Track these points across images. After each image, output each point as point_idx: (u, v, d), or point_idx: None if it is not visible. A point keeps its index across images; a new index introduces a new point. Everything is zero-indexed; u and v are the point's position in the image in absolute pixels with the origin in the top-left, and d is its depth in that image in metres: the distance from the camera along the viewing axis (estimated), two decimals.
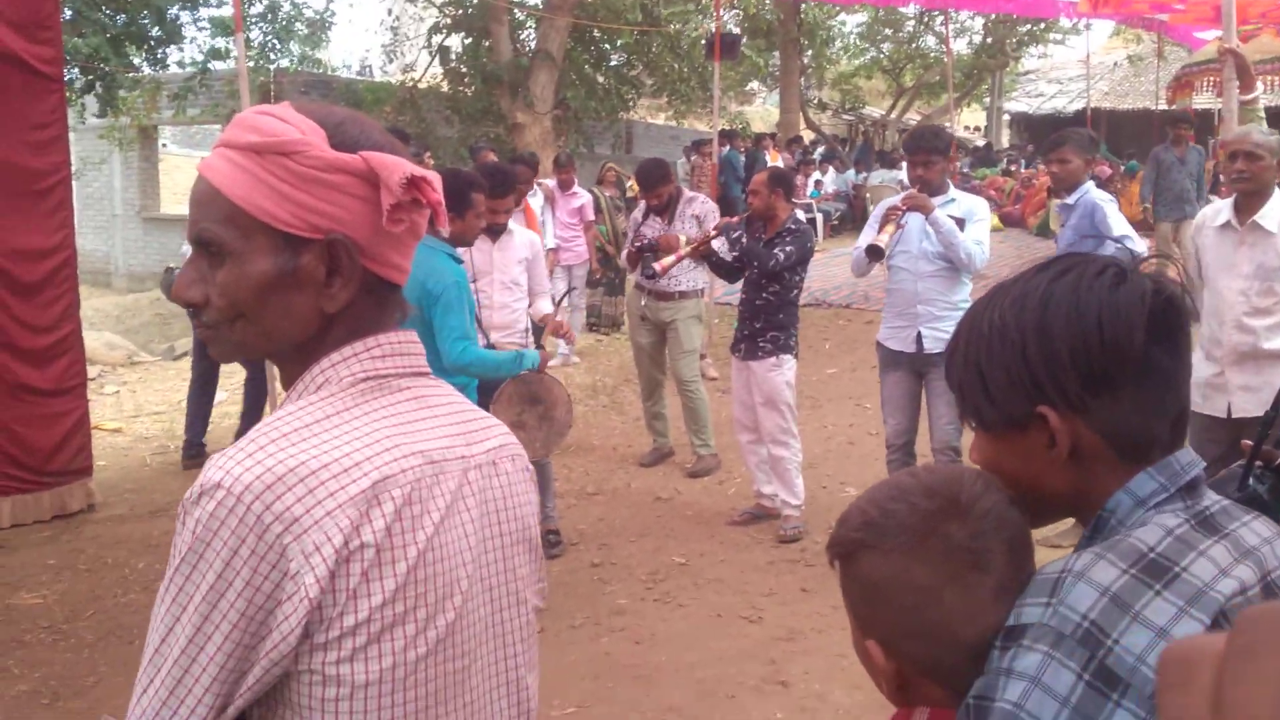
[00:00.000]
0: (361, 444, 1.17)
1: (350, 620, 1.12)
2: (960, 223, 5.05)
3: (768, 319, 5.62)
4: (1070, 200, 5.32)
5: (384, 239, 1.24)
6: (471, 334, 4.44)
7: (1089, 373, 1.12)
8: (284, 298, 1.21)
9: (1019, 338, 1.14)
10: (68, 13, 12.84)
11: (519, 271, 5.57)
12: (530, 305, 5.68)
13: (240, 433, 7.20)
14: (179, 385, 10.03)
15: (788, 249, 5.51)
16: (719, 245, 5.86)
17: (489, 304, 5.56)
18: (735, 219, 6.11)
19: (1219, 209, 4.46)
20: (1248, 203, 4.28)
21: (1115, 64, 28.73)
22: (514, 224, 5.75)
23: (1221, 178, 5.13)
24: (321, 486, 1.12)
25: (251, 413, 7.33)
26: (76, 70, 12.79)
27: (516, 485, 1.34)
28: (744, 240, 5.61)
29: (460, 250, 5.63)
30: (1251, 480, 1.47)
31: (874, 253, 4.98)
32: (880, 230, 5.00)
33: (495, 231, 5.51)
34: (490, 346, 5.15)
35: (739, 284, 5.98)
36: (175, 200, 21.82)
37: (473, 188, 4.51)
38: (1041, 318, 1.14)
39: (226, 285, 1.20)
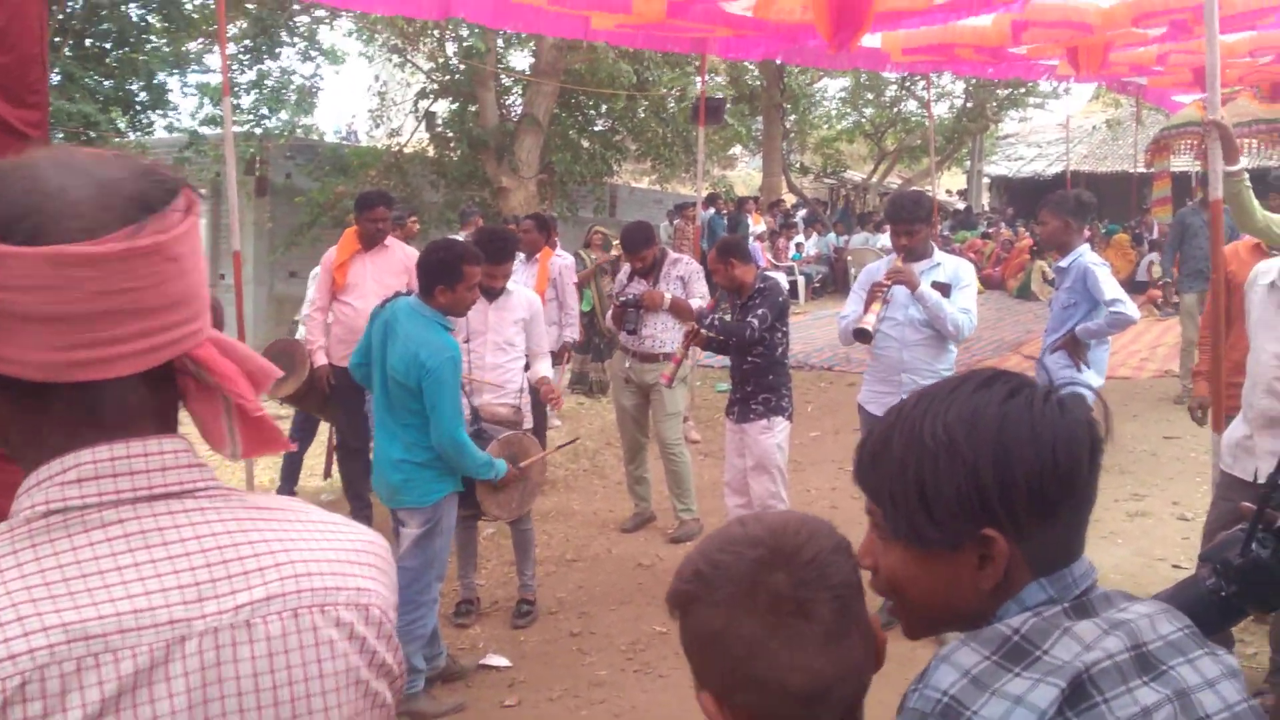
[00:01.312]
0: None
1: None
2: (946, 288, 5.03)
3: (756, 382, 5.58)
4: (1064, 264, 5.32)
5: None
6: (460, 412, 4.38)
7: (1041, 498, 1.11)
8: None
9: (971, 457, 1.12)
10: (56, 76, 12.91)
11: (514, 332, 5.53)
12: (529, 367, 5.62)
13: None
14: None
15: (759, 312, 5.47)
16: (705, 332, 5.82)
17: (480, 365, 5.51)
18: (708, 304, 6.07)
19: (1272, 266, 4.18)
20: None
21: (1094, 127, 29.11)
22: (514, 284, 5.72)
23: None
24: None
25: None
26: (62, 135, 12.81)
27: (297, 655, 0.97)
28: (718, 323, 5.58)
29: None
30: (1254, 545, 1.43)
31: (863, 335, 4.95)
32: (866, 310, 4.97)
33: (492, 293, 5.48)
34: (476, 411, 5.10)
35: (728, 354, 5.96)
36: None
37: (464, 260, 4.44)
38: (998, 439, 1.11)
39: None
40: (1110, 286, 5.05)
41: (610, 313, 6.99)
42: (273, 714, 0.95)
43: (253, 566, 0.97)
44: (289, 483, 7.37)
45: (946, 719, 1.03)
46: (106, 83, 14.25)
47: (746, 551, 1.13)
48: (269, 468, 8.68)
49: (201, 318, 0.99)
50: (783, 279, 15.26)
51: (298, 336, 7.37)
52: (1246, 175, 4.80)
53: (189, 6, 14.95)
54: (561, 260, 8.12)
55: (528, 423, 5.55)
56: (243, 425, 1.05)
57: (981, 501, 1.11)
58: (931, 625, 1.23)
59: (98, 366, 0.93)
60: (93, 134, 13.38)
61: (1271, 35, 10.10)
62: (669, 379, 6.06)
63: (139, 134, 15.55)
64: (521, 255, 7.91)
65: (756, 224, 19.43)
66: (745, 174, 34.51)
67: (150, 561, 0.93)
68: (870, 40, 8.92)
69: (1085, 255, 5.23)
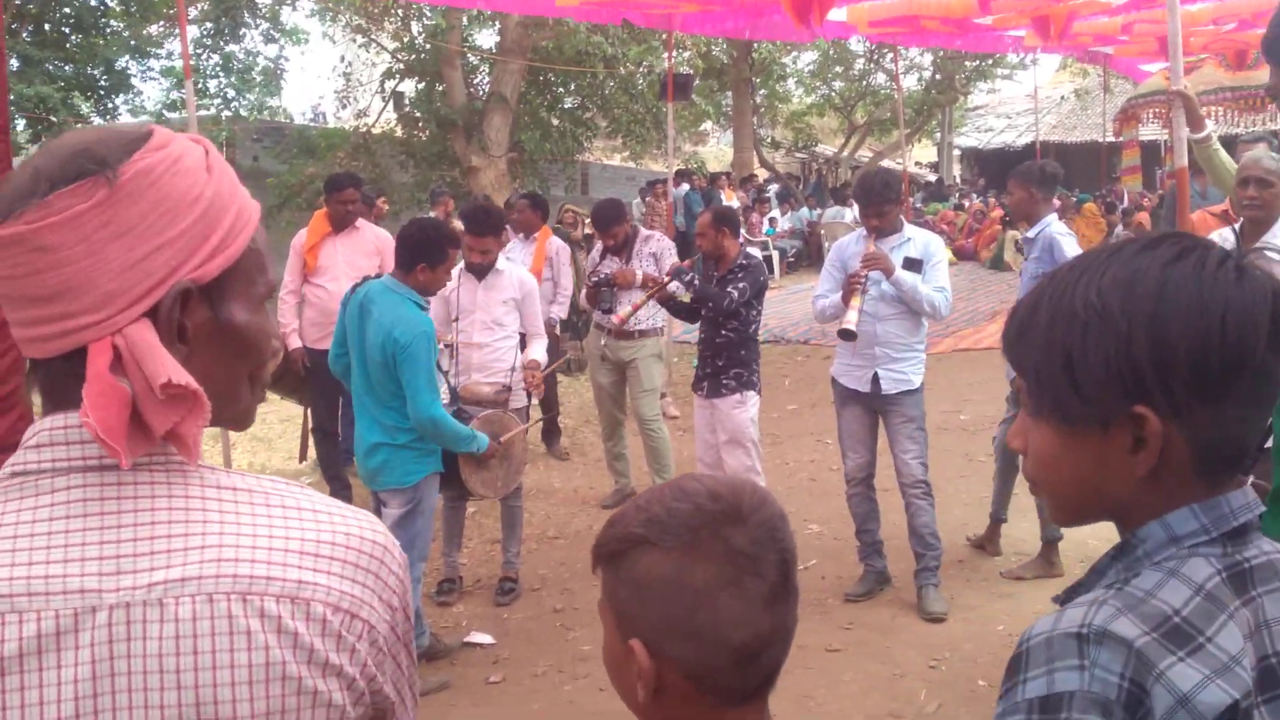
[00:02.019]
0: None
1: None
2: (918, 264, 5.06)
3: (729, 356, 5.59)
4: (1031, 234, 5.36)
5: None
6: (436, 388, 4.38)
7: (1203, 376, 1.01)
8: None
9: (1125, 327, 1.02)
10: (15, 62, 12.74)
11: (503, 312, 5.50)
12: (525, 348, 5.60)
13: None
14: None
15: (740, 285, 5.48)
16: (675, 288, 5.85)
17: (468, 343, 5.50)
18: (686, 263, 6.09)
19: (1224, 236, 4.32)
20: (1254, 230, 4.20)
21: (1063, 98, 29.26)
22: (505, 263, 5.68)
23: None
24: None
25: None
26: (22, 120, 12.66)
27: (207, 640, 0.93)
28: (696, 283, 5.58)
29: (450, 287, 5.61)
30: None
31: (847, 335, 4.95)
32: (846, 304, 4.97)
33: (480, 270, 5.46)
34: (455, 392, 5.10)
35: (698, 322, 5.97)
36: None
37: (449, 242, 4.46)
38: (1157, 306, 1.01)
39: None
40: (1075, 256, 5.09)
41: (584, 292, 6.99)
42: (175, 696, 0.93)
43: (178, 546, 0.95)
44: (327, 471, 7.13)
45: (1129, 710, 0.97)
46: (67, 67, 14.08)
47: (706, 504, 1.12)
48: (251, 449, 8.67)
49: (98, 311, 0.95)
50: (757, 253, 15.29)
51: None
52: (1215, 138, 4.85)
53: None
54: (559, 240, 8.13)
55: (518, 401, 5.52)
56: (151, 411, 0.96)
57: (1134, 374, 1.02)
58: (1080, 512, 1.13)
59: (25, 345, 0.98)
60: (53, 119, 13.24)
61: (1234, 3, 10.18)
62: (623, 320, 6.03)
63: (103, 118, 15.39)
64: (519, 235, 7.93)
65: (730, 199, 19.43)
66: (717, 149, 34.49)
67: (81, 530, 0.94)
68: (836, 14, 8.93)
69: (1052, 225, 5.27)
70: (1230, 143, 5.17)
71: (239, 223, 1.03)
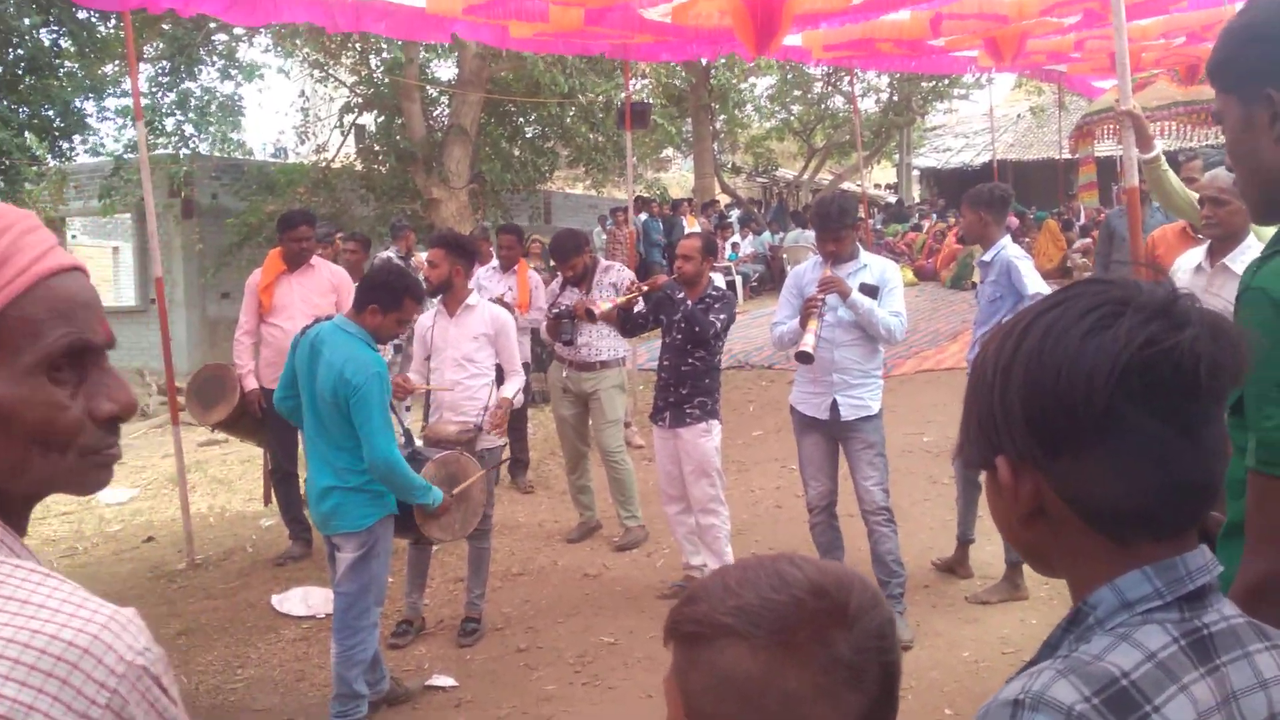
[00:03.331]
0: None
1: None
2: (874, 290, 5.05)
3: (694, 385, 5.55)
4: (987, 258, 5.37)
5: None
6: (391, 430, 4.30)
7: (1042, 429, 1.01)
8: None
9: (992, 378, 1.05)
10: None
11: (474, 348, 5.42)
12: (500, 385, 5.52)
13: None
14: None
15: (721, 317, 5.47)
16: (639, 303, 5.81)
17: (440, 382, 5.43)
18: (672, 277, 6.01)
19: (1198, 252, 4.38)
20: (1220, 247, 4.24)
21: (1019, 116, 29.56)
22: (477, 298, 5.61)
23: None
24: None
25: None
26: None
27: None
28: (687, 304, 5.52)
29: (422, 323, 5.56)
30: None
31: (805, 358, 4.94)
32: (804, 328, 4.95)
33: (452, 307, 5.43)
34: (409, 434, 5.03)
35: (634, 336, 5.94)
36: None
37: (409, 293, 4.40)
38: (1010, 360, 1.03)
39: None
40: (1032, 280, 5.11)
41: (545, 324, 6.95)
42: None
43: None
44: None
45: None
46: (21, 110, 13.91)
47: (808, 600, 1.01)
48: (209, 492, 8.53)
49: None
50: (720, 280, 15.30)
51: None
52: (1164, 159, 4.88)
53: (103, 30, 14.63)
54: (535, 274, 8.21)
55: (490, 442, 5.44)
56: None
57: (992, 423, 1.05)
58: (1027, 558, 1.14)
59: None
60: (6, 161, 13.07)
61: (1184, 17, 10.30)
62: (602, 313, 5.93)
63: (59, 160, 15.21)
64: (496, 264, 8.01)
65: (691, 226, 19.47)
66: (679, 176, 34.58)
67: None
68: (791, 39, 8.97)
69: (1007, 248, 5.28)
70: (1171, 158, 5.21)
71: None
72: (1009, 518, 1.08)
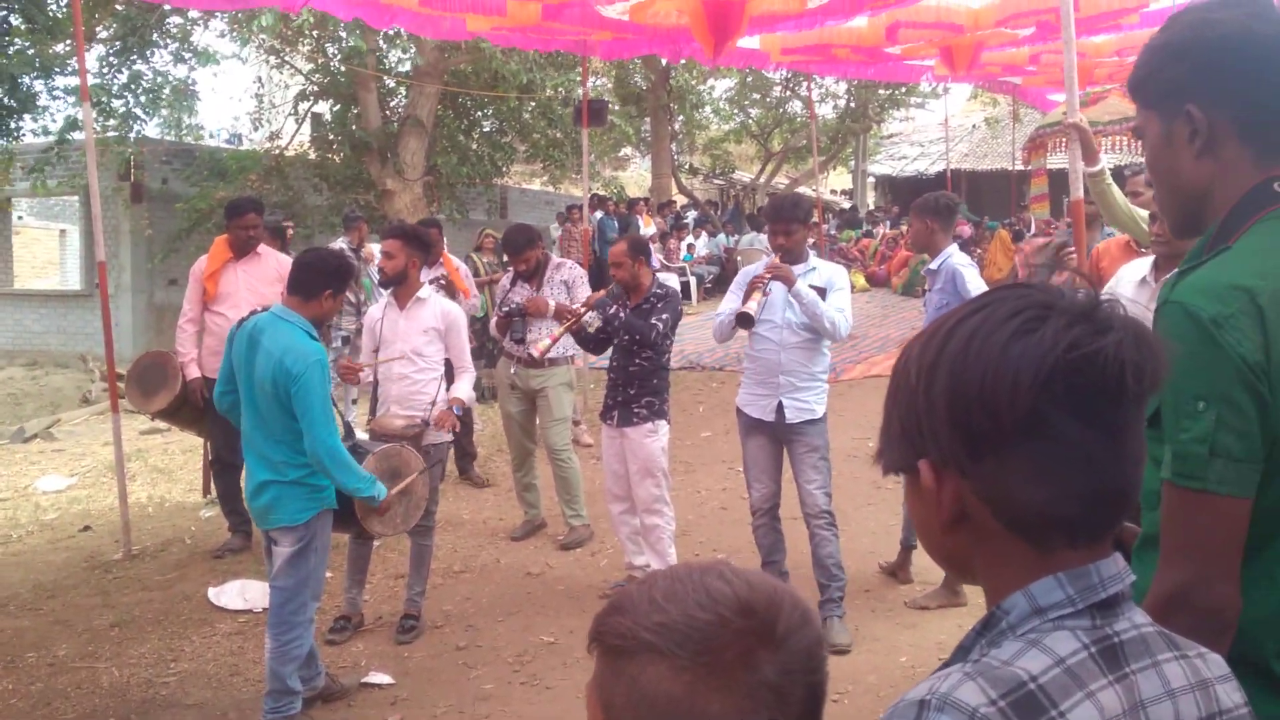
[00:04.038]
0: None
1: None
2: (823, 292, 5.08)
3: (641, 385, 5.55)
4: (934, 266, 5.40)
5: None
6: (332, 420, 4.25)
7: (966, 431, 1.00)
8: None
9: (915, 380, 1.05)
10: None
11: (424, 342, 5.37)
12: (450, 383, 5.46)
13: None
14: (27, 470, 9.52)
15: (663, 317, 5.47)
16: (590, 318, 5.80)
17: (387, 375, 5.37)
18: (603, 292, 6.01)
19: (1143, 264, 4.39)
20: (1167, 264, 4.21)
21: (974, 126, 29.85)
22: (428, 291, 5.56)
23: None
24: None
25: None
26: None
27: None
28: (621, 314, 5.52)
29: (372, 315, 5.51)
30: None
31: (744, 320, 4.96)
32: (747, 299, 5.00)
33: (401, 299, 5.39)
34: (349, 428, 4.98)
35: (605, 353, 5.92)
36: (33, 274, 20.93)
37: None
38: (934, 361, 1.03)
39: None
40: (977, 286, 5.16)
41: (495, 321, 6.90)
42: None
43: None
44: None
45: None
46: None
47: (735, 620, 0.97)
48: (151, 481, 8.39)
49: None
50: (674, 280, 15.31)
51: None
52: (1108, 173, 4.94)
53: (54, 7, 14.35)
54: (455, 258, 8.19)
55: (437, 438, 5.38)
56: None
57: (915, 426, 1.05)
58: (943, 564, 1.15)
59: None
60: None
61: (1137, 35, 10.45)
62: (542, 353, 5.94)
63: (5, 139, 14.89)
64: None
65: (647, 225, 19.47)
66: (637, 174, 34.59)
67: None
68: (748, 42, 8.99)
69: (954, 257, 5.33)
70: (1118, 172, 5.28)
71: None
72: (930, 523, 1.07)
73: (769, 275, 5.00)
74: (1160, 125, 1.64)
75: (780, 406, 5.10)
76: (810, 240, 5.84)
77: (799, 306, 5.01)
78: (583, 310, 5.78)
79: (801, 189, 25.35)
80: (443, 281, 7.59)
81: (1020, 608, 1.01)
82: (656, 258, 17.84)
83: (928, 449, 1.05)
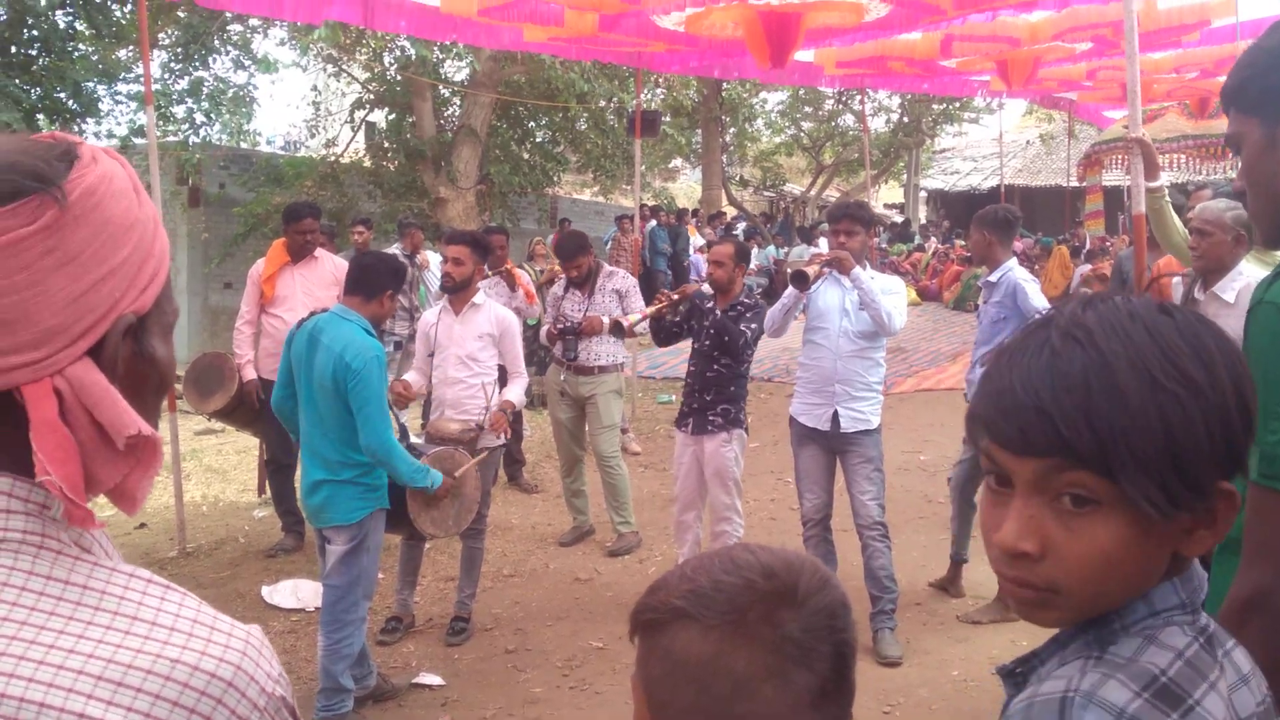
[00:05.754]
0: None
1: None
2: None
3: (719, 391, 5.50)
4: (993, 278, 5.37)
5: None
6: (388, 415, 4.33)
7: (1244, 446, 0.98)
8: None
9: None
10: None
11: (478, 347, 5.40)
12: (505, 386, 5.48)
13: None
14: None
15: (753, 326, 5.41)
16: (684, 303, 5.77)
17: (443, 379, 5.42)
18: (697, 286, 5.97)
19: (1175, 284, 4.52)
20: (1209, 278, 4.33)
21: (1028, 142, 29.61)
22: (484, 298, 5.59)
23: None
24: None
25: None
26: None
27: None
28: (715, 312, 5.48)
29: (426, 320, 5.58)
30: None
31: (799, 279, 4.91)
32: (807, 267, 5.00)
33: (457, 305, 5.44)
34: (404, 429, 5.03)
35: (665, 355, 5.92)
36: None
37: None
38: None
39: None
40: (1040, 301, 5.12)
41: (545, 330, 6.94)
42: None
43: None
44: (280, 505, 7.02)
45: None
46: (34, 91, 13.92)
47: (759, 581, 1.01)
48: (205, 481, 8.52)
49: (36, 350, 0.83)
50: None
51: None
52: (1167, 191, 4.90)
53: (118, 13, 14.66)
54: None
55: (491, 442, 5.39)
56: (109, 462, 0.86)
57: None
58: (1077, 617, 1.02)
59: None
60: None
61: (1197, 52, 10.34)
62: (631, 326, 5.91)
63: None
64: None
65: (693, 236, 19.50)
66: (687, 186, 34.64)
67: None
68: (804, 55, 8.99)
69: (1014, 270, 5.29)
70: (1184, 187, 5.25)
71: (162, 246, 0.93)
72: (1147, 561, 0.98)
73: (828, 258, 4.99)
74: (1261, 131, 1.61)
75: (835, 416, 5.07)
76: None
77: (856, 293, 4.97)
78: (677, 296, 5.76)
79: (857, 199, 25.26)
80: (502, 272, 7.66)
81: (1138, 612, 1.01)
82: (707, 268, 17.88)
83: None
